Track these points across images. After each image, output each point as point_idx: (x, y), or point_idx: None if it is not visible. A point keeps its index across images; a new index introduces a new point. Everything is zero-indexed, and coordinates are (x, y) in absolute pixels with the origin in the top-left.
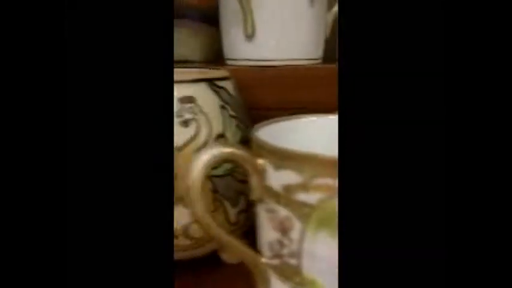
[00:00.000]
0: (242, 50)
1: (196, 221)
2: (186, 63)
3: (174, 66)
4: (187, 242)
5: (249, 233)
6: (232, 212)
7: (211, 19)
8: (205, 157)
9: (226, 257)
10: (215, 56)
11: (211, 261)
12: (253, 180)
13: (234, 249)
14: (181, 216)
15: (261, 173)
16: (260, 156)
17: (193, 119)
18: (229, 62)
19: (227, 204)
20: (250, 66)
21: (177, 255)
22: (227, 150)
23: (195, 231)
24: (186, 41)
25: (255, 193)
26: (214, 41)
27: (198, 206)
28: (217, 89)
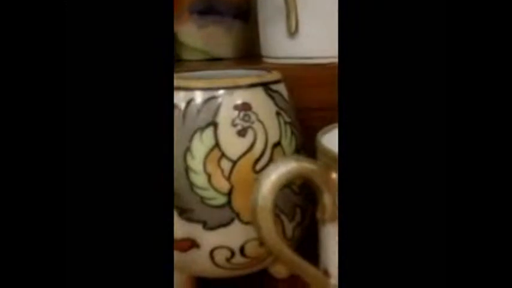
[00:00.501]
0: (284, 48)
1: (262, 241)
2: (217, 61)
3: (205, 64)
4: (243, 260)
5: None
6: (289, 227)
7: (243, 15)
8: (275, 176)
9: (276, 271)
10: (246, 53)
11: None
12: (326, 198)
13: (301, 270)
14: (237, 234)
15: (336, 189)
16: (333, 169)
17: (249, 128)
18: (268, 60)
19: (284, 218)
20: (294, 64)
21: (233, 273)
22: (298, 166)
23: (252, 249)
24: (218, 38)
25: (327, 212)
26: (247, 38)
27: (267, 227)
28: (273, 94)
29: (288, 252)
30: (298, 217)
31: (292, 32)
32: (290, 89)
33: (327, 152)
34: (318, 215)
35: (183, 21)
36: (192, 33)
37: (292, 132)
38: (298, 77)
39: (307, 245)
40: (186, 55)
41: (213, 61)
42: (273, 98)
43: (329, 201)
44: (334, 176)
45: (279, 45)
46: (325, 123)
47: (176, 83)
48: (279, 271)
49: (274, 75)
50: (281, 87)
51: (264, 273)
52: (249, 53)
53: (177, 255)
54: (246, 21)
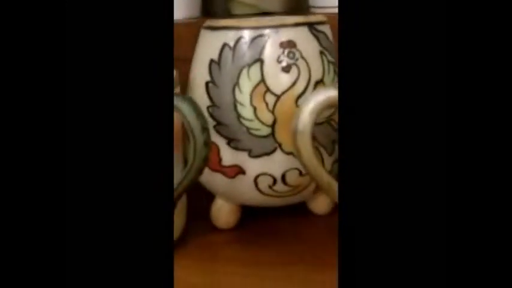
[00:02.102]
0: None
1: (302, 165)
2: (266, 15)
3: (253, 18)
4: (284, 187)
5: None
6: (328, 161)
7: None
8: (314, 103)
9: (315, 207)
10: (295, 6)
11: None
12: None
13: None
14: (279, 163)
15: None
16: None
17: (293, 65)
18: (316, 10)
19: (324, 152)
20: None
21: (275, 200)
22: (337, 93)
23: (292, 178)
24: None
25: None
26: None
27: (306, 151)
28: (317, 34)
29: (326, 176)
30: (336, 153)
31: None
32: (336, 39)
33: None
34: None
35: None
36: None
37: (335, 71)
38: None
39: None
40: (235, 10)
41: (262, 15)
42: (317, 38)
43: None
44: None
45: None
46: None
47: (226, 23)
48: (319, 207)
49: (319, 17)
50: (326, 28)
51: (304, 209)
52: (297, 6)
53: (225, 182)
54: None
